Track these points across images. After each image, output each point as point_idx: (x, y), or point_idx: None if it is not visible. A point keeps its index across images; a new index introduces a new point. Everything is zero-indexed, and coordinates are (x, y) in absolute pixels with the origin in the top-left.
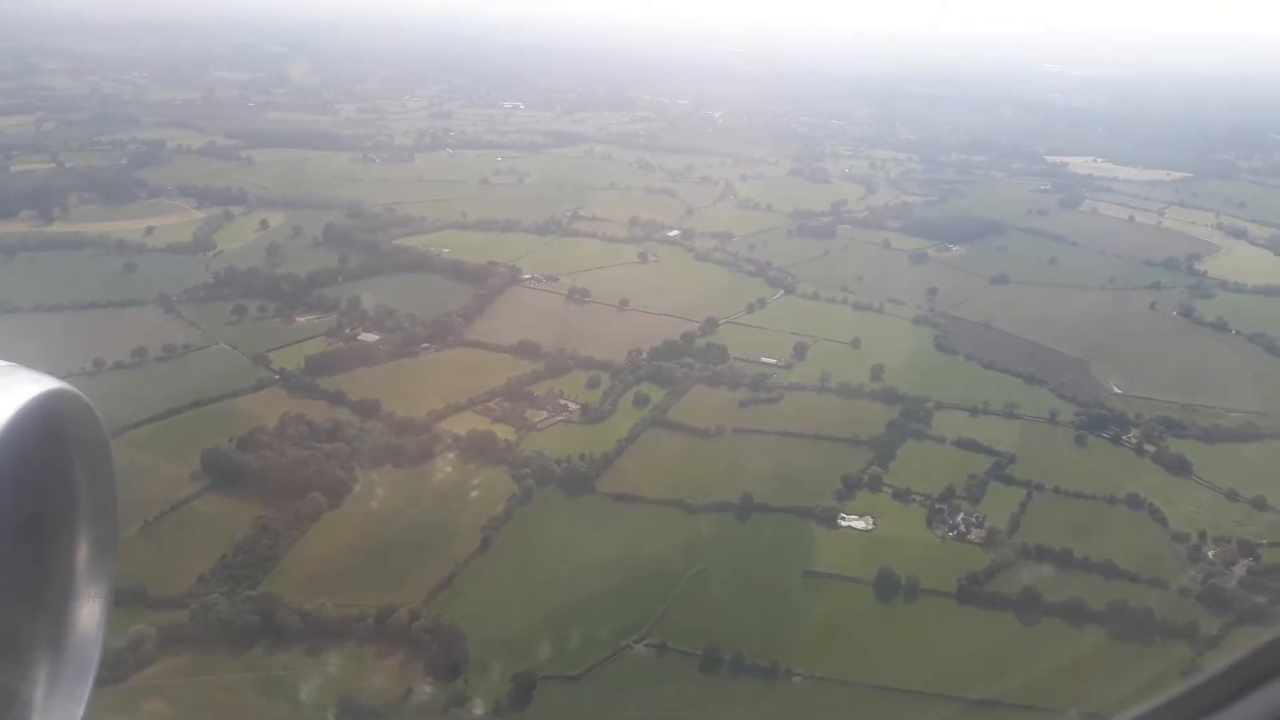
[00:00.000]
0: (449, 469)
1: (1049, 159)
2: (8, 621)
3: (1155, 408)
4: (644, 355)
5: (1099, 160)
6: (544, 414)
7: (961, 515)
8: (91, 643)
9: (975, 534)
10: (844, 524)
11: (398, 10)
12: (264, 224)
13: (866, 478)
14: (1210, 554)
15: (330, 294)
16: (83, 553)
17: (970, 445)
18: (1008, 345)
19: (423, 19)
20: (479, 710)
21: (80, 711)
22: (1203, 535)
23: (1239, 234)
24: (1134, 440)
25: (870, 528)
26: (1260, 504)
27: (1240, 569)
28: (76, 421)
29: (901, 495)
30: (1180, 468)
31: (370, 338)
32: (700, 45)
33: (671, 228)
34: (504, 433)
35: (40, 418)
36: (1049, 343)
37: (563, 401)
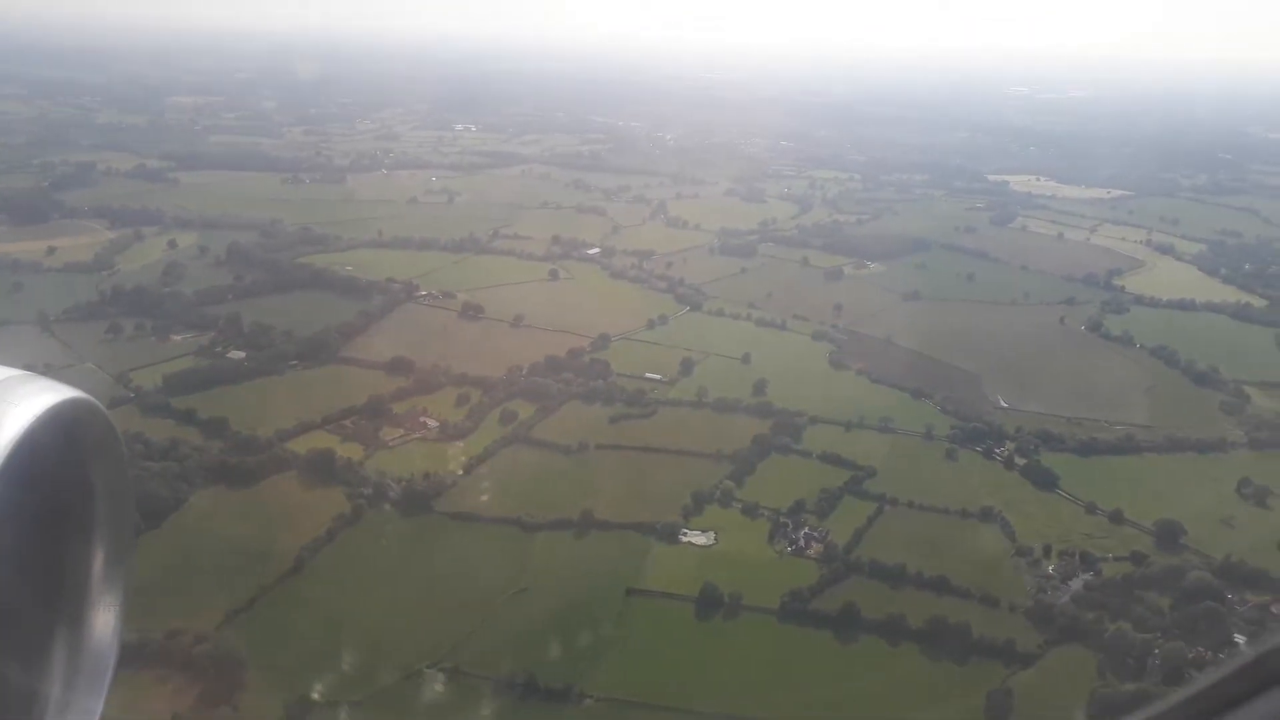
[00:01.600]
0: (283, 489)
1: (991, 178)
2: (25, 628)
3: (1038, 421)
4: (523, 371)
5: (1042, 179)
6: (400, 432)
7: (805, 530)
8: (107, 650)
9: (815, 549)
10: (685, 540)
11: (379, 37)
12: (172, 244)
13: (718, 493)
14: (1050, 568)
15: (214, 312)
16: (99, 560)
17: (834, 459)
18: (904, 360)
19: (402, 45)
20: None
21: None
22: (1047, 549)
23: (1166, 250)
24: (1006, 454)
25: (711, 543)
26: (1117, 517)
27: (1078, 583)
28: (93, 430)
29: (750, 510)
30: (1046, 481)
31: (238, 355)
32: (675, 69)
33: (593, 246)
34: (351, 451)
35: (57, 426)
36: (946, 358)
37: (423, 419)
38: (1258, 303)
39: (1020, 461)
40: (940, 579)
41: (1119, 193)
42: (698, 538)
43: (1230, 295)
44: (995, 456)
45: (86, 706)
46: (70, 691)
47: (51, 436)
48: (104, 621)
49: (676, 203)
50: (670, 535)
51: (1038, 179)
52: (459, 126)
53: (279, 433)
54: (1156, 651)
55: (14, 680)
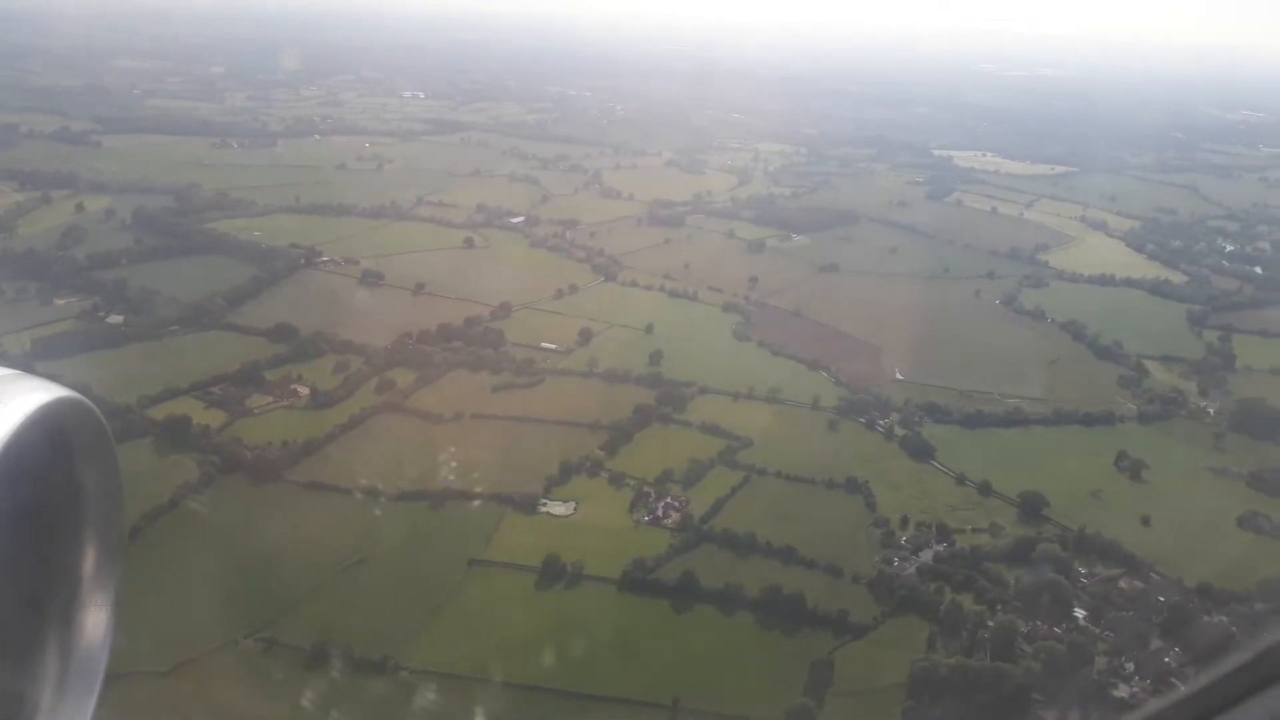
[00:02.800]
0: (135, 456)
1: (936, 153)
2: (16, 629)
3: (930, 393)
4: (412, 340)
5: (989, 155)
6: (269, 399)
7: (666, 500)
8: (98, 651)
9: (672, 519)
10: (543, 510)
11: (347, 5)
12: (80, 207)
13: (588, 463)
14: (903, 539)
15: (105, 277)
16: (89, 560)
17: (714, 430)
18: (809, 333)
19: (370, 14)
20: None
21: None
22: (904, 520)
23: (1098, 226)
24: (888, 425)
25: (569, 514)
26: (986, 489)
27: (928, 555)
28: (83, 429)
29: (617, 480)
30: (922, 452)
31: (116, 320)
32: (643, 42)
33: (518, 214)
34: (213, 419)
35: (46, 425)
36: (851, 330)
37: (295, 386)
38: (1177, 279)
39: (901, 433)
40: (788, 549)
41: (1063, 169)
42: (557, 508)
43: (1153, 271)
44: (877, 428)
45: (77, 709)
46: (61, 694)
47: (40, 437)
48: (95, 623)
49: (614, 173)
50: (529, 506)
51: (984, 155)
52: (407, 94)
53: (141, 399)
54: (990, 624)
55: (3, 683)
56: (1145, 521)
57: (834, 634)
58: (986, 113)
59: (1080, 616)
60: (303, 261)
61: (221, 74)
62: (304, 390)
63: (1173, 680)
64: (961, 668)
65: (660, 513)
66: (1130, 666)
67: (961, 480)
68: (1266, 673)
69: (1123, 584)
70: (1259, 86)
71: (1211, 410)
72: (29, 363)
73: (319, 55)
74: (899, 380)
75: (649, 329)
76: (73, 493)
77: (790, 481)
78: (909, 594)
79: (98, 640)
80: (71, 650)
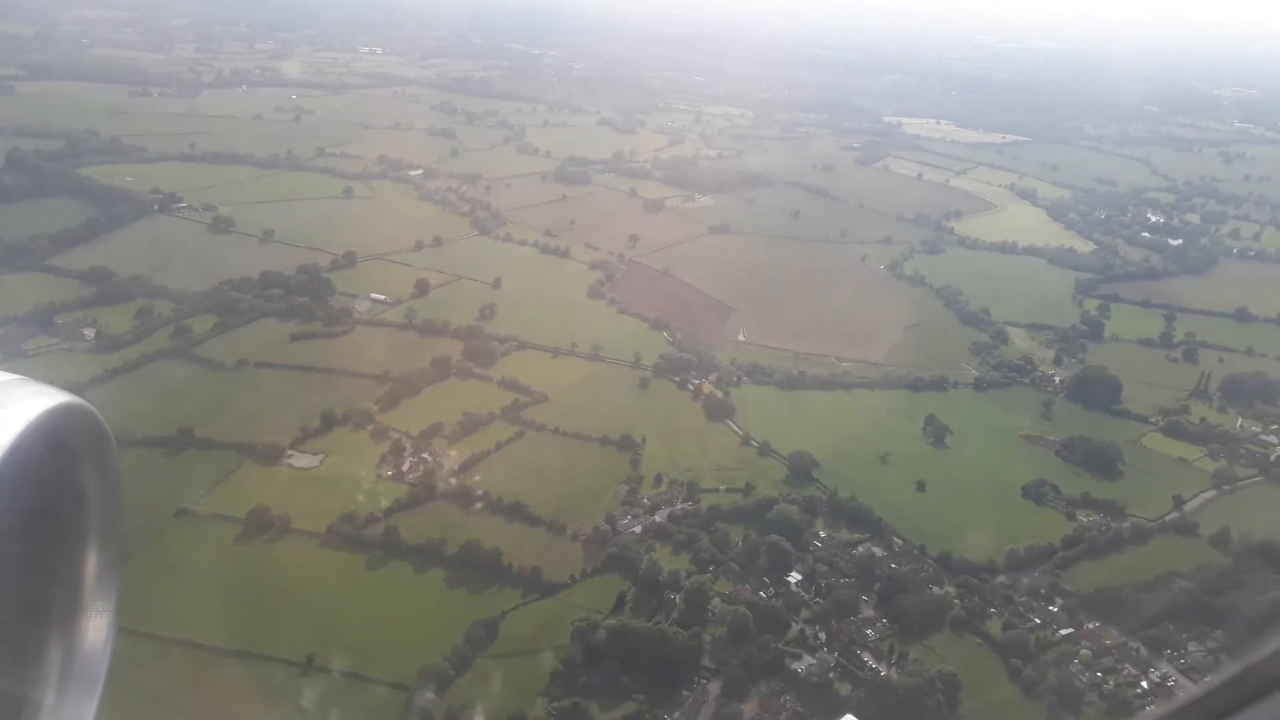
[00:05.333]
0: None
1: (887, 119)
2: (17, 634)
3: (766, 355)
4: (231, 286)
5: (943, 122)
6: (53, 341)
7: (422, 455)
8: (99, 657)
9: (419, 474)
10: (287, 462)
11: None
12: None
13: (356, 415)
14: (646, 498)
15: None
16: (91, 567)
17: (512, 385)
18: (668, 292)
19: None
20: None
21: None
22: (658, 479)
23: (1027, 195)
24: (699, 386)
25: (314, 465)
26: (765, 450)
27: (663, 514)
28: (86, 435)
29: (381, 433)
30: (721, 412)
31: None
32: (638, 8)
33: (419, 167)
34: None
35: (49, 431)
36: (712, 291)
37: (83, 330)
38: (1084, 248)
39: (710, 392)
40: (517, 505)
41: (1015, 138)
42: (303, 460)
43: (1064, 240)
44: (688, 387)
45: (79, 712)
46: (62, 697)
47: (43, 442)
48: (96, 627)
49: (541, 130)
50: (272, 457)
51: (938, 122)
52: (364, 49)
53: None
54: (686, 583)
55: (5, 686)
56: (920, 487)
57: (524, 592)
58: (961, 82)
59: (794, 581)
60: (156, 207)
61: (183, 26)
62: (91, 334)
63: (859, 651)
64: (622, 629)
65: (407, 468)
66: (823, 636)
67: (746, 440)
68: (1269, 679)
69: (860, 550)
70: (1265, 63)
71: (1058, 379)
72: None
73: (288, 10)
74: (739, 341)
75: (497, 284)
76: (75, 498)
77: (565, 438)
78: (617, 552)
79: (99, 644)
80: (74, 654)
